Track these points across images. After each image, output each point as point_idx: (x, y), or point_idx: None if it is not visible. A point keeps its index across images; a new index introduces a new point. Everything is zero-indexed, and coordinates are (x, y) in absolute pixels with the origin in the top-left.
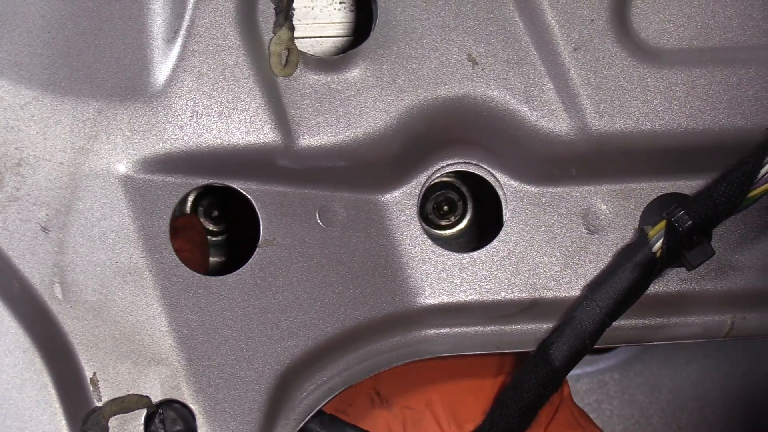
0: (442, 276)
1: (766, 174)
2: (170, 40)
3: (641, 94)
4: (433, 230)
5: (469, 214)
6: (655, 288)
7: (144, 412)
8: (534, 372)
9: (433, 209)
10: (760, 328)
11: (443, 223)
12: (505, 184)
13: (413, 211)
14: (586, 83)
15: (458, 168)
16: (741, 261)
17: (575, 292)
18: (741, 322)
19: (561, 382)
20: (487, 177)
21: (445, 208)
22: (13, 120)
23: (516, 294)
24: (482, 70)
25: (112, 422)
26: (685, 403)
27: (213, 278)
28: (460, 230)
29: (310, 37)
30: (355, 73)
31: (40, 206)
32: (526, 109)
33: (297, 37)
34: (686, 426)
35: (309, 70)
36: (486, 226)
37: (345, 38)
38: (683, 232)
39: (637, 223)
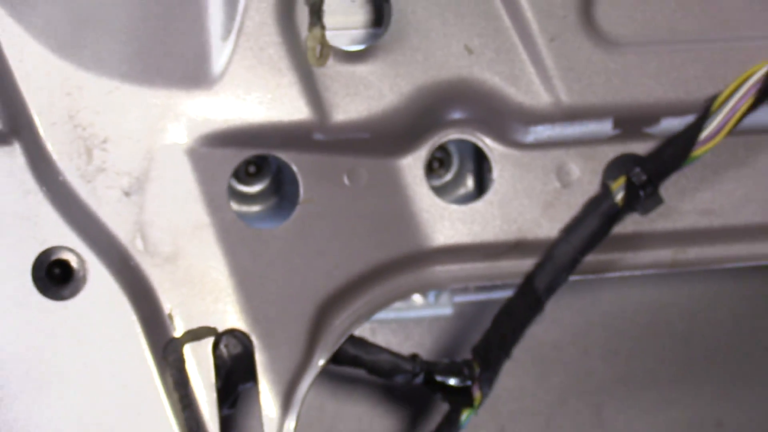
0: (445, 224)
1: (705, 137)
2: (225, 38)
3: (603, 75)
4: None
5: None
6: (615, 230)
7: (211, 339)
8: (522, 299)
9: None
10: (698, 260)
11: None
12: (494, 149)
13: (421, 172)
14: (559, 67)
15: (457, 136)
16: (683, 206)
17: (553, 234)
18: (682, 255)
19: (543, 307)
20: (480, 144)
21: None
22: (100, 105)
23: (504, 236)
24: (477, 58)
25: (186, 349)
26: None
27: (264, 230)
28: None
29: (333, 29)
30: (375, 62)
31: (123, 175)
32: (512, 89)
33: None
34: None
35: (338, 60)
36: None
37: (362, 30)
38: (639, 186)
39: (601, 178)
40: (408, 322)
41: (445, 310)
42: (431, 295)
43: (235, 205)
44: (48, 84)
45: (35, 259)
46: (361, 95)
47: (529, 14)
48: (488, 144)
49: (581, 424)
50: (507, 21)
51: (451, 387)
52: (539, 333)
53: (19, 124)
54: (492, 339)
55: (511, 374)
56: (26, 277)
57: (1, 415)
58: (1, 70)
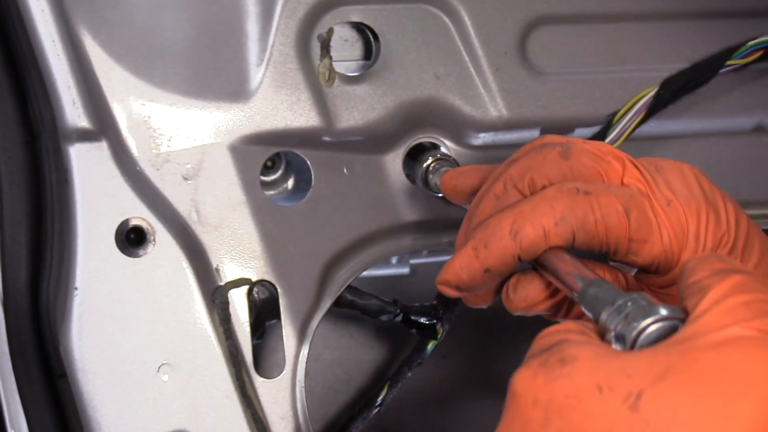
0: (416, 203)
1: (608, 143)
2: (258, 64)
3: (534, 96)
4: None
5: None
6: None
7: (247, 287)
8: None
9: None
10: None
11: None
12: (453, 149)
13: (400, 165)
14: (502, 90)
15: (425, 140)
16: None
17: None
18: None
19: None
20: (442, 145)
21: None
22: (166, 113)
23: (460, 214)
24: (442, 82)
25: (229, 294)
26: None
27: (286, 207)
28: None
29: (338, 60)
30: (368, 84)
31: (183, 164)
32: (467, 106)
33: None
34: None
35: (342, 82)
36: None
37: (359, 61)
38: None
39: None
40: (376, 279)
41: (404, 269)
42: (393, 258)
43: None
44: (128, 96)
45: (117, 226)
46: (358, 108)
47: (480, 51)
48: (448, 145)
49: None
50: (465, 56)
51: (422, 324)
52: None
53: (106, 126)
54: None
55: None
56: (111, 240)
57: (92, 340)
58: (93, 86)
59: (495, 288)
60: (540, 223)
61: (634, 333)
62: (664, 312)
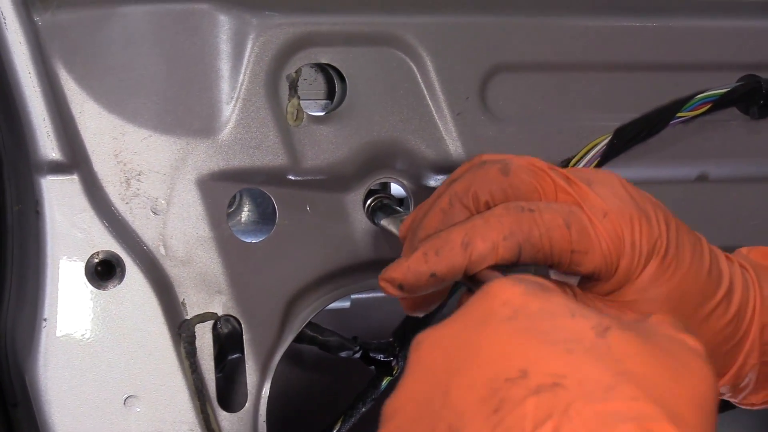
0: (375, 242)
1: None
2: (228, 102)
3: (492, 140)
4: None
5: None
6: None
7: (212, 321)
8: None
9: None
10: None
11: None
12: (409, 188)
13: (360, 205)
14: (463, 135)
15: (385, 180)
16: None
17: None
18: None
19: (446, 302)
20: (400, 186)
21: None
22: (137, 148)
23: None
24: (405, 125)
25: (195, 328)
26: None
27: (252, 243)
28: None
29: (305, 99)
30: (334, 125)
31: (152, 199)
32: (429, 149)
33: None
34: None
35: (309, 122)
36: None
37: (325, 101)
38: None
39: None
40: (322, 312)
41: (345, 303)
42: None
43: None
44: (100, 131)
45: (87, 258)
46: (323, 148)
47: (442, 96)
48: (406, 185)
49: None
50: (428, 99)
51: (379, 360)
52: None
53: (78, 159)
54: (407, 325)
55: None
56: (80, 272)
57: (59, 371)
58: (67, 119)
59: (430, 297)
60: (490, 237)
61: None
62: None
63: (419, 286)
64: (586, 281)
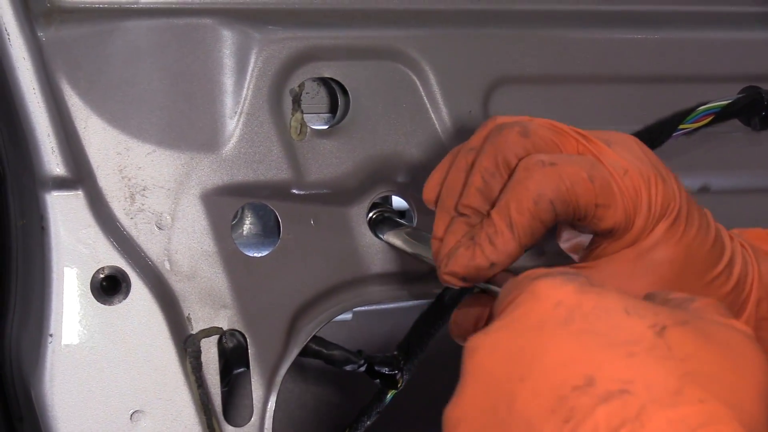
0: (379, 256)
1: None
2: (232, 116)
3: None
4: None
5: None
6: None
7: (218, 336)
8: (434, 310)
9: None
10: None
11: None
12: (412, 201)
13: (364, 218)
14: None
15: (387, 193)
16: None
17: None
18: None
19: (450, 315)
20: (402, 198)
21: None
22: (142, 163)
23: (420, 267)
24: (408, 138)
25: (200, 343)
26: None
27: (256, 257)
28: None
29: (309, 113)
30: (337, 139)
31: (157, 214)
32: (432, 163)
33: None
34: None
35: (312, 136)
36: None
37: (329, 115)
38: None
39: None
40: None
41: (347, 316)
42: None
43: None
44: (104, 146)
45: (93, 274)
46: (326, 162)
47: (444, 110)
48: (409, 198)
49: None
50: (431, 113)
51: (384, 374)
52: None
53: (83, 175)
54: (411, 339)
55: None
56: (86, 288)
57: (65, 386)
58: (71, 135)
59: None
60: (524, 207)
61: None
62: None
63: (480, 277)
64: (600, 240)
